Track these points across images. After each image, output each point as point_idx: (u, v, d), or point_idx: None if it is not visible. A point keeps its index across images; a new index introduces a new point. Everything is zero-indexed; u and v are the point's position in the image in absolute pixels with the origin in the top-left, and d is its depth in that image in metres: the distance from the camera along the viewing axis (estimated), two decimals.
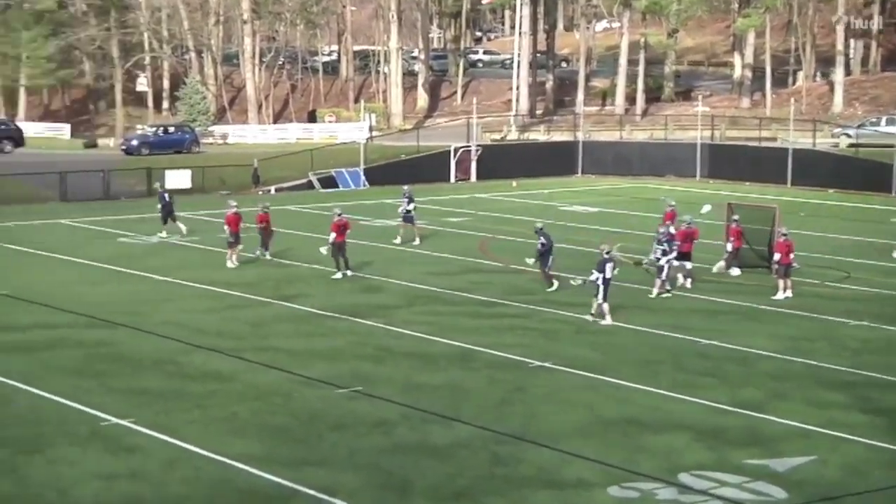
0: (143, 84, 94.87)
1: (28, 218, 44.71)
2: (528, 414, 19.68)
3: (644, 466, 17.04)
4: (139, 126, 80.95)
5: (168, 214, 40.28)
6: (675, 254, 30.34)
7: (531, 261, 30.89)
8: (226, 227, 33.68)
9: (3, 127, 66.07)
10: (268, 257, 34.72)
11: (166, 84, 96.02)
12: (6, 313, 27.23)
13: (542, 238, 30.46)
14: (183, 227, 40.20)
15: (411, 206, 38.68)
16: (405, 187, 40.20)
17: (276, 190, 57.24)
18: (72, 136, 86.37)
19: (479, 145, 63.65)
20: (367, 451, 17.74)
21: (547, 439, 18.24)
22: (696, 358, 23.79)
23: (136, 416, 19.07)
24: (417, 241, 38.58)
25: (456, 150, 62.50)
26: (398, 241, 38.61)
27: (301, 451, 17.77)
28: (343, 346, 24.47)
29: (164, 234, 39.80)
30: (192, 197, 53.70)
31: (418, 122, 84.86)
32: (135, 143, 66.72)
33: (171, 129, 69.71)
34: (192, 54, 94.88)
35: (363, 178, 59.23)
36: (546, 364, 23.09)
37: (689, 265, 31.53)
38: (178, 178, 55.05)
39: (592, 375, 22.27)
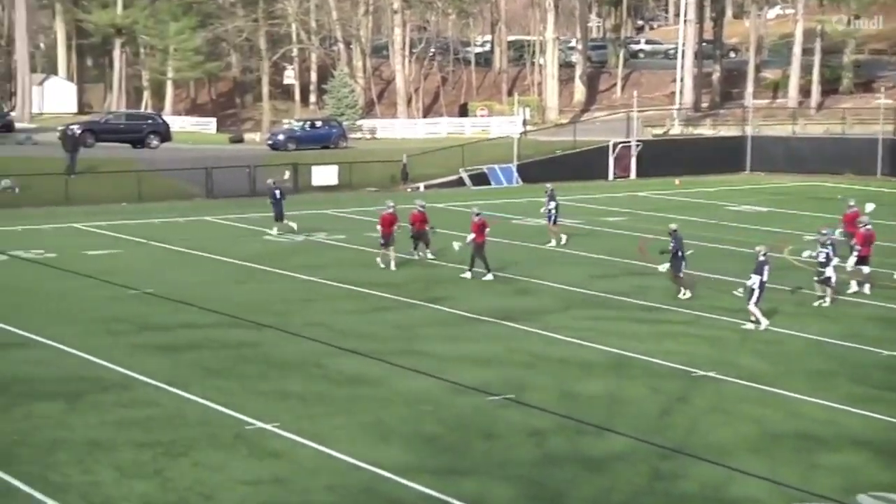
0: (290, 77, 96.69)
1: (173, 214, 45.99)
2: (690, 426, 19.39)
3: (819, 486, 16.62)
4: (285, 120, 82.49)
5: (280, 211, 40.68)
6: (854, 258, 29.57)
7: (663, 268, 30.47)
8: (378, 228, 33.77)
9: (149, 121, 68.03)
10: (430, 257, 34.89)
11: (314, 77, 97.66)
12: (151, 313, 28.05)
13: (672, 241, 30.02)
14: (294, 225, 40.65)
15: (553, 206, 38.44)
16: (548, 185, 40.06)
17: (426, 187, 57.64)
18: (218, 130, 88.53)
19: (639, 141, 63.06)
20: (519, 461, 17.71)
21: (711, 454, 17.94)
22: (876, 369, 23.11)
23: (280, 420, 19.41)
24: (563, 241, 38.33)
25: (614, 145, 62.05)
26: (553, 243, 38.45)
27: (450, 460, 17.83)
28: (494, 352, 24.48)
29: (274, 232, 40.32)
30: (338, 194, 54.54)
31: (575, 116, 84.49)
32: (281, 137, 67.99)
33: (319, 124, 70.84)
34: (341, 45, 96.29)
35: (516, 174, 59.24)
36: (710, 374, 22.72)
37: (866, 269, 30.67)
38: (324, 174, 55.96)
39: (760, 386, 21.83)
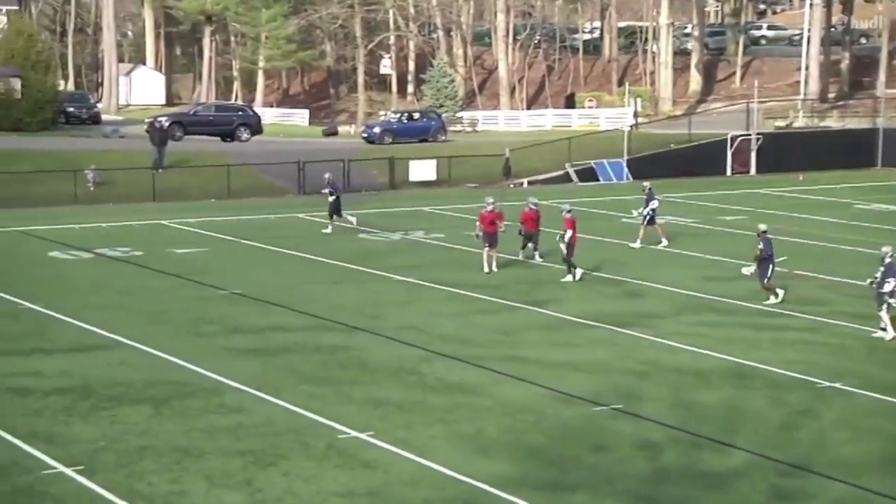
0: (386, 66, 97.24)
1: (264, 211, 46.50)
2: (816, 441, 19.10)
3: None
4: (382, 112, 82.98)
5: (337, 208, 40.80)
6: None
7: (749, 271, 30.02)
8: (478, 227, 33.67)
9: (240, 113, 68.80)
10: (538, 259, 34.77)
11: (411, 66, 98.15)
12: (240, 314, 28.39)
13: (761, 243, 29.55)
14: (353, 219, 40.81)
15: (653, 206, 38.05)
16: (645, 183, 39.71)
17: (529, 183, 57.57)
18: (310, 122, 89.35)
19: (759, 134, 62.26)
20: (629, 476, 17.60)
21: (840, 472, 17.65)
22: None
23: (374, 429, 19.52)
24: (638, 243, 37.99)
25: (733, 138, 61.35)
26: (665, 242, 38.12)
27: (555, 474, 17.78)
28: (602, 359, 24.36)
29: (329, 231, 40.47)
30: (437, 190, 54.68)
31: (690, 108, 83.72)
32: (377, 130, 68.36)
33: (416, 116, 71.08)
34: (440, 33, 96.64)
35: (626, 170, 58.88)
36: (837, 385, 22.35)
37: None
38: (422, 169, 56.14)
39: (892, 399, 21.41)
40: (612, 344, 25.63)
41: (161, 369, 23.17)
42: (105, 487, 16.88)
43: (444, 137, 68.65)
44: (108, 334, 25.94)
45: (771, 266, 29.62)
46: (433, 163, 56.72)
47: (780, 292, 29.56)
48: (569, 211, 32.72)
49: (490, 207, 33.39)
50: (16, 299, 29.46)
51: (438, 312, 28.70)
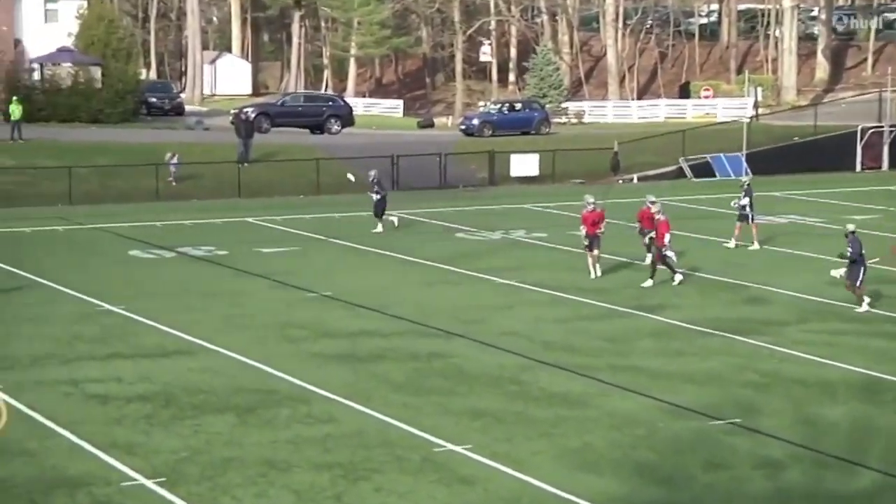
0: (486, 53, 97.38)
1: (355, 208, 46.73)
2: None
3: None
4: (481, 102, 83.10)
5: (382, 209, 40.65)
6: None
7: (838, 273, 29.50)
8: (582, 229, 33.44)
9: (330, 103, 69.38)
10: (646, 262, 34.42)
11: (513, 53, 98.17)
12: (329, 318, 28.59)
13: (850, 245, 29.01)
14: (394, 222, 40.72)
15: (747, 201, 37.57)
16: (743, 178, 39.18)
17: (639, 178, 57.34)
18: (405, 113, 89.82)
19: (893, 126, 61.29)
20: (748, 496, 17.43)
21: None
22: None
23: (473, 442, 19.53)
24: (756, 246, 37.52)
25: (863, 131, 60.50)
26: (731, 244, 37.72)
27: (666, 492, 17.67)
28: (718, 369, 24.16)
29: (380, 230, 40.39)
30: (540, 186, 54.63)
31: (816, 98, 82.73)
32: (476, 122, 68.51)
33: (518, 106, 71.11)
34: (545, 17, 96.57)
35: (745, 165, 58.30)
36: None
37: None
38: (524, 164, 56.15)
39: None
40: (730, 353, 25.40)
41: (246, 376, 23.41)
42: (188, 501, 17.10)
43: (547, 130, 68.61)
44: (190, 338, 26.28)
45: (862, 269, 29.16)
46: (536, 157, 56.68)
47: (865, 302, 29.07)
48: (653, 202, 32.36)
49: (591, 207, 32.94)
50: (94, 300, 29.96)
51: (541, 318, 28.65)
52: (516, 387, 22.86)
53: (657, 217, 32.11)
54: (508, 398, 22.10)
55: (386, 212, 40.98)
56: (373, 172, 41.29)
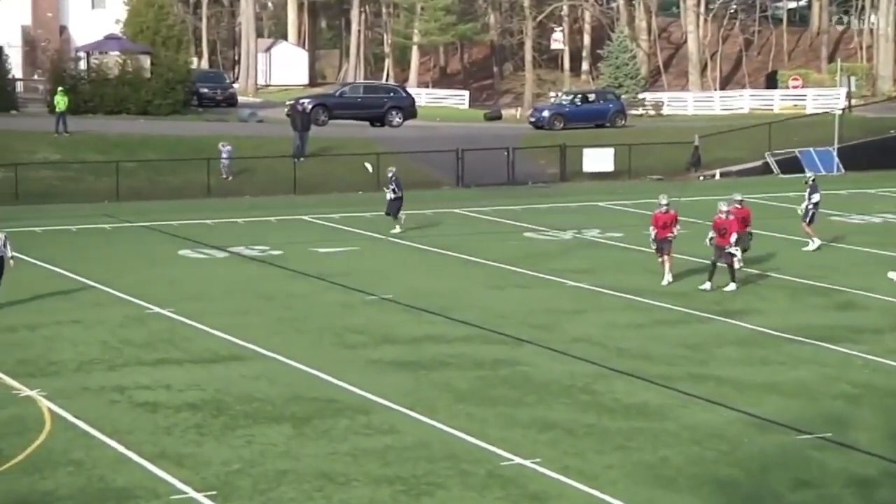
0: (558, 41, 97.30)
1: (417, 206, 46.81)
2: None
3: None
4: (552, 93, 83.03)
5: (397, 209, 40.40)
6: None
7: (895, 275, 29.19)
8: (651, 231, 33.26)
9: (391, 94, 69.54)
10: (738, 265, 34.13)
11: (587, 40, 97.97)
12: (390, 323, 28.68)
13: None
14: (402, 220, 40.47)
15: (814, 199, 37.20)
16: (808, 174, 38.79)
17: (722, 174, 57.06)
18: (471, 105, 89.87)
19: None
20: None
21: None
22: None
23: (542, 455, 19.53)
24: (812, 246, 37.18)
25: None
26: (812, 245, 37.41)
27: None
28: (807, 379, 24.01)
29: (398, 230, 40.22)
30: (615, 182, 54.49)
31: None
32: (546, 114, 68.44)
33: (592, 97, 70.97)
34: (621, 2, 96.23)
35: (837, 160, 57.89)
36: None
37: None
38: (598, 159, 56.05)
39: None
40: (819, 362, 25.24)
41: (302, 384, 23.54)
42: None
43: (623, 122, 68.43)
44: (243, 343, 26.45)
45: None
46: (610, 151, 56.56)
47: None
48: (727, 212, 32.08)
49: (664, 208, 32.69)
50: (142, 303, 30.24)
51: (616, 323, 28.60)
52: (588, 397, 22.83)
53: (728, 216, 31.87)
54: (580, 409, 22.07)
55: (400, 214, 40.59)
56: (391, 170, 41.14)
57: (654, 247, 32.94)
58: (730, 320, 28.80)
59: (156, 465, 18.95)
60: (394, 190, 40.43)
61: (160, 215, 44.43)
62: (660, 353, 25.91)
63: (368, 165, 39.99)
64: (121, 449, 19.64)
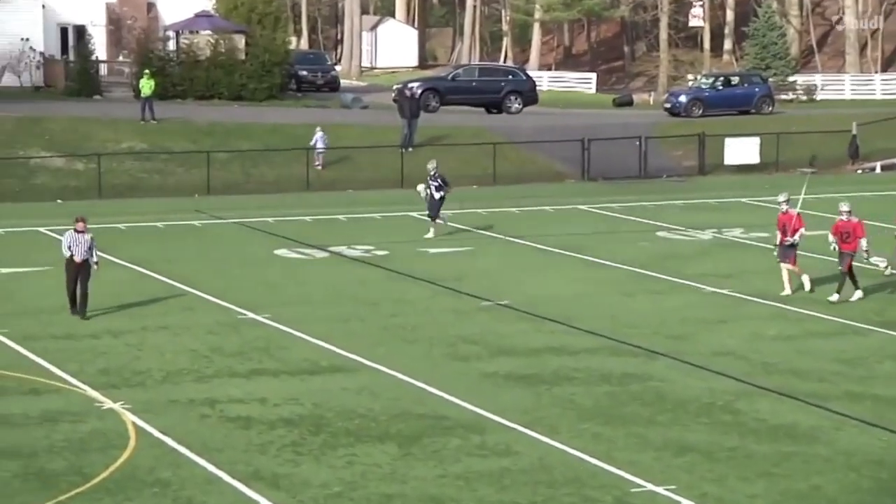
0: (697, 17, 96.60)
1: (538, 201, 46.90)
2: None
3: None
4: (690, 76, 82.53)
5: (439, 208, 39.69)
6: None
7: None
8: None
9: (509, 77, 69.48)
10: (889, 272, 33.52)
11: (729, 16, 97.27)
12: (507, 332, 28.68)
13: None
14: (444, 221, 39.82)
15: None
16: None
17: (883, 167, 56.33)
18: (598, 89, 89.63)
19: None
20: None
21: None
22: None
23: (677, 482, 19.43)
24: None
25: None
26: None
27: None
28: None
29: (431, 234, 39.64)
30: (760, 175, 54.02)
31: None
32: (683, 99, 68.05)
33: (735, 81, 70.45)
34: None
35: None
36: None
37: None
38: (741, 150, 55.62)
39: None
40: None
41: (409, 399, 23.63)
42: None
43: (770, 108, 67.82)
44: (345, 353, 26.61)
45: None
46: (755, 141, 56.12)
47: None
48: (850, 211, 31.50)
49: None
50: (235, 307, 30.54)
51: (761, 335, 28.39)
52: (730, 417, 22.68)
53: (850, 217, 31.35)
54: (720, 430, 21.94)
55: (440, 214, 39.99)
56: (432, 164, 40.43)
57: (776, 253, 32.34)
58: (892, 332, 28.45)
59: (248, 487, 19.12)
60: (438, 187, 39.72)
61: (254, 211, 44.83)
62: (811, 369, 25.68)
63: (421, 188, 39.56)
64: (211, 468, 19.86)
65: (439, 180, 39.72)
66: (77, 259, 29.00)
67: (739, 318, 29.95)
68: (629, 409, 23.13)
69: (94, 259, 29.30)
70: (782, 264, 32.19)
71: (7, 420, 22.06)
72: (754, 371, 25.47)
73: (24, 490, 18.88)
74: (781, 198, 32.35)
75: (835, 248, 31.49)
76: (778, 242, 32.22)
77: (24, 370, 25.15)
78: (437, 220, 39.97)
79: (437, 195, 39.73)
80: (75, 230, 29.19)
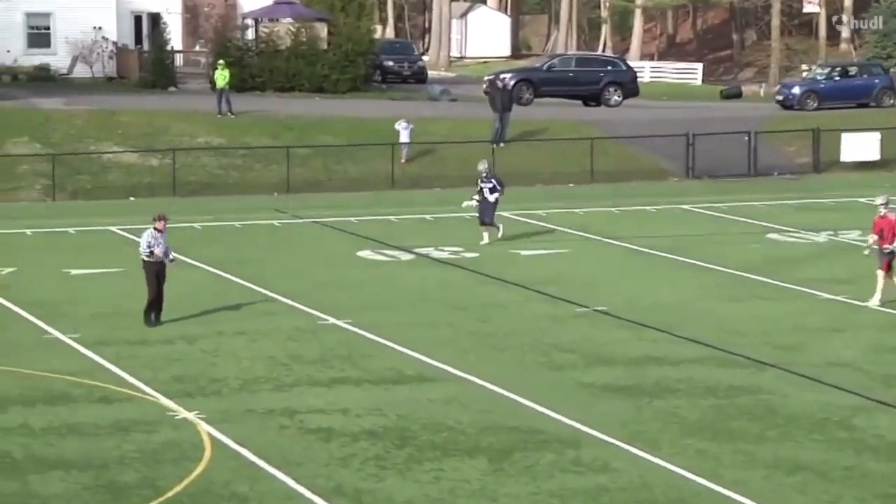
0: (812, 3, 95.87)
1: (639, 200, 46.79)
2: None
3: None
4: (804, 66, 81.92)
5: (491, 209, 38.88)
6: None
7: None
8: (872, 239, 32.20)
9: (609, 68, 69.23)
10: None
11: (847, 2, 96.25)
12: (605, 340, 28.65)
13: None
14: (489, 230, 39.05)
15: None
16: None
17: None
18: (704, 80, 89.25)
19: None
20: None
21: None
22: None
23: (789, 502, 19.33)
24: None
25: None
26: None
27: None
28: None
29: (486, 239, 38.86)
30: (881, 173, 53.56)
31: None
32: (796, 91, 67.53)
33: (853, 71, 69.84)
34: None
35: None
36: None
37: None
38: (859, 145, 55.12)
39: None
40: None
41: (500, 411, 23.65)
42: None
43: (892, 101, 67.13)
44: (432, 362, 26.67)
45: None
46: (875, 136, 55.60)
47: None
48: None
49: (883, 211, 31.71)
50: (315, 312, 30.69)
51: (881, 345, 28.19)
52: (846, 433, 22.53)
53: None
54: (835, 447, 21.80)
55: (494, 218, 39.25)
56: (483, 164, 39.95)
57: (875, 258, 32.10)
58: None
59: (329, 503, 19.22)
60: (492, 188, 38.93)
61: (336, 210, 44.99)
62: None
63: (468, 203, 39.18)
64: (290, 483, 19.98)
65: (493, 181, 39.06)
66: (161, 260, 29.09)
67: (856, 327, 29.75)
68: (736, 423, 23.03)
69: (171, 256, 29.38)
70: (879, 271, 31.88)
71: (77, 429, 22.30)
72: (873, 384, 25.28)
73: (94, 503, 19.08)
74: (879, 200, 32.06)
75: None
76: (872, 245, 31.97)
77: (95, 377, 25.41)
78: (492, 225, 39.21)
79: (491, 198, 38.95)
80: (155, 229, 29.29)
